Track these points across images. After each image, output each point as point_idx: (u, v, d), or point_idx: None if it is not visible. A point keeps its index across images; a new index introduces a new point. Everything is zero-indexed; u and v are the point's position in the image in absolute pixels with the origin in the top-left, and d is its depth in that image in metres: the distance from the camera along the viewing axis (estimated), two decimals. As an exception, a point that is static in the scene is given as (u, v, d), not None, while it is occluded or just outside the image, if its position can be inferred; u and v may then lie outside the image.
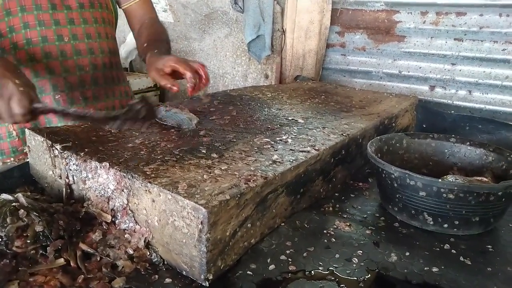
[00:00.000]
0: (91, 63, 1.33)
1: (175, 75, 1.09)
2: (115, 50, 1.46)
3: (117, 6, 1.47)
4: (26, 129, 1.02)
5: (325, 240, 0.88)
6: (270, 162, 0.90)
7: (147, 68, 1.16)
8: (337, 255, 0.83)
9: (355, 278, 0.76)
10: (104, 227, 0.82)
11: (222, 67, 2.55)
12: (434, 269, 0.80)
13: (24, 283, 0.69)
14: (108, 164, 0.83)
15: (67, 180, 0.91)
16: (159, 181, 0.76)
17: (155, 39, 1.32)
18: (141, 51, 1.32)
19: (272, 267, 0.78)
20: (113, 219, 0.83)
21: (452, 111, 1.79)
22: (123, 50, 2.76)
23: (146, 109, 0.94)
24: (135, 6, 1.46)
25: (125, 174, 0.79)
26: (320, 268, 0.79)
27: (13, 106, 0.94)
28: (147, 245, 0.79)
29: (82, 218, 0.84)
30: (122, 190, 0.81)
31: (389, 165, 0.96)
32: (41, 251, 0.75)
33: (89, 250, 0.77)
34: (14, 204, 0.81)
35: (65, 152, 0.90)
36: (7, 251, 0.75)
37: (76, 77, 1.31)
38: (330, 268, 0.79)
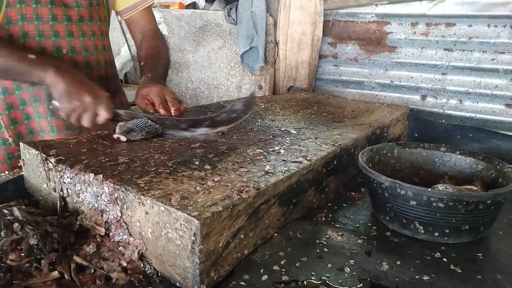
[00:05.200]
0: (87, 75, 1.34)
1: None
2: (111, 61, 1.48)
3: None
4: (20, 143, 1.03)
5: (318, 250, 0.88)
6: (263, 173, 0.91)
7: (136, 93, 1.26)
8: (329, 265, 0.83)
9: (347, 288, 0.77)
10: (98, 239, 0.83)
11: (216, 79, 2.57)
12: (425, 278, 0.81)
13: (18, 296, 0.70)
14: (102, 176, 0.83)
15: (61, 193, 0.92)
16: (152, 193, 0.77)
17: (152, 56, 1.39)
18: (140, 67, 1.40)
19: (265, 277, 0.79)
20: (107, 232, 0.84)
21: (443, 120, 1.82)
22: (117, 62, 2.78)
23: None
24: (136, 16, 1.51)
25: (118, 187, 0.80)
26: (313, 278, 0.79)
27: (101, 113, 1.09)
28: (141, 257, 0.79)
29: (76, 230, 0.85)
30: (116, 203, 0.81)
31: (379, 174, 0.97)
32: (35, 264, 0.76)
33: (83, 262, 0.77)
34: (8, 217, 0.82)
35: (59, 165, 0.91)
36: (2, 264, 0.75)
37: None
38: (323, 277, 0.80)
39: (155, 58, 1.39)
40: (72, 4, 1.30)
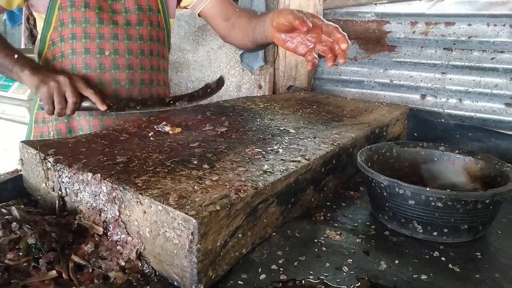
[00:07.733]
0: (128, 78, 1.36)
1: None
2: (158, 67, 1.45)
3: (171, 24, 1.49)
4: (19, 142, 1.03)
5: (316, 249, 0.88)
6: (261, 172, 0.91)
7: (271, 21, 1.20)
8: (327, 264, 0.83)
9: (345, 287, 0.77)
10: (96, 238, 0.83)
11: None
12: (423, 277, 0.81)
13: (16, 295, 0.70)
14: (100, 176, 0.83)
15: (59, 193, 0.92)
16: (150, 192, 0.77)
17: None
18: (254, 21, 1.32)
19: (263, 276, 0.79)
20: (105, 231, 0.84)
21: (443, 120, 1.82)
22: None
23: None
24: (211, 6, 1.46)
25: (116, 186, 0.80)
26: (311, 277, 0.79)
27: (68, 96, 1.16)
28: (139, 256, 0.79)
29: (74, 230, 0.85)
30: (114, 202, 0.81)
31: (378, 174, 0.97)
32: (33, 264, 0.76)
33: (81, 262, 0.77)
34: (7, 216, 0.82)
35: (57, 164, 0.91)
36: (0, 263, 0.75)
37: (111, 90, 1.34)
38: (321, 277, 0.80)
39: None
40: (121, 10, 1.34)
